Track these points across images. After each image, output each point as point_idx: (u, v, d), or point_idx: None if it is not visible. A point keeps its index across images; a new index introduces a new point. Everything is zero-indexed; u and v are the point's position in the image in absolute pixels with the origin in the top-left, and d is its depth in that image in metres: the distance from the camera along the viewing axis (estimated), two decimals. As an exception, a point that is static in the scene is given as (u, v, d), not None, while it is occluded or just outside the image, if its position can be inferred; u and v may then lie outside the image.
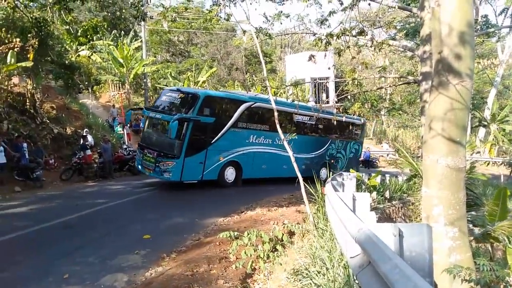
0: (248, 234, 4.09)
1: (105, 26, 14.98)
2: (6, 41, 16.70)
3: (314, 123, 16.70)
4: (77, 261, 5.81)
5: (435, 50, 4.28)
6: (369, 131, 41.61)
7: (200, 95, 12.17)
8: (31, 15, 12.98)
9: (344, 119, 16.69)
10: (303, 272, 4.40)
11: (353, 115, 39.67)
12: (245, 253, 4.12)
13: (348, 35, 7.00)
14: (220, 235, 4.53)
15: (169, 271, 5.32)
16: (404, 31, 13.83)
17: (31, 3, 12.55)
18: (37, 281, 5.04)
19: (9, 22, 17.40)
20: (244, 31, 8.40)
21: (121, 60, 24.69)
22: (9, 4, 12.78)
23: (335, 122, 16.42)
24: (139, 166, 12.92)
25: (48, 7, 13.21)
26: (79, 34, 14.57)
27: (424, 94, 7.44)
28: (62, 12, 12.58)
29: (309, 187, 7.30)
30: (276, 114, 7.89)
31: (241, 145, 13.54)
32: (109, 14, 18.73)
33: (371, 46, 8.99)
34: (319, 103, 30.18)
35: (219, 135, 12.66)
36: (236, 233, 4.30)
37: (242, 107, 13.39)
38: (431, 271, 2.94)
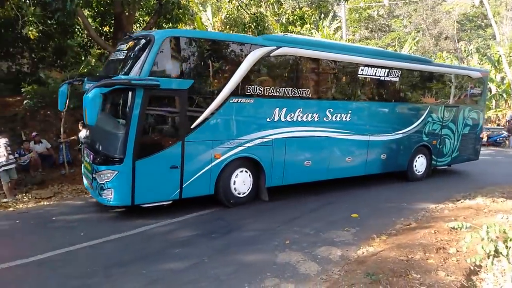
0: (488, 228, 3.58)
1: (312, 13, 15.86)
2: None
3: (399, 80, 9.83)
4: (294, 229, 6.47)
5: None
6: None
7: (154, 37, 6.35)
8: (250, 12, 14.89)
9: (450, 69, 10.73)
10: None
11: None
12: (482, 248, 3.65)
13: None
14: (448, 224, 4.14)
15: (381, 253, 5.30)
16: None
17: (251, 1, 14.34)
18: (265, 243, 5.87)
19: (231, 20, 20.69)
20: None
21: (322, 42, 25.65)
22: (233, 4, 15.25)
23: (429, 76, 10.50)
24: (84, 180, 7.86)
25: (263, 2, 15.02)
26: (288, 22, 15.86)
27: None
28: (274, 5, 14.07)
29: None
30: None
31: (256, 128, 7.52)
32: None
33: None
34: None
35: (207, 112, 6.83)
36: (468, 224, 3.85)
37: (252, 56, 7.20)
38: None
